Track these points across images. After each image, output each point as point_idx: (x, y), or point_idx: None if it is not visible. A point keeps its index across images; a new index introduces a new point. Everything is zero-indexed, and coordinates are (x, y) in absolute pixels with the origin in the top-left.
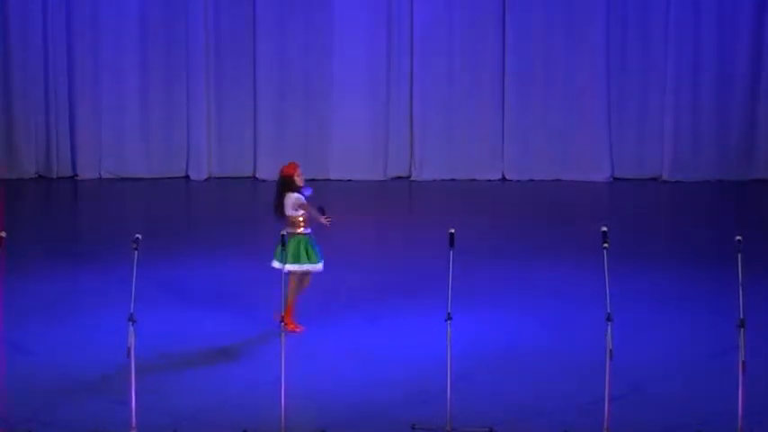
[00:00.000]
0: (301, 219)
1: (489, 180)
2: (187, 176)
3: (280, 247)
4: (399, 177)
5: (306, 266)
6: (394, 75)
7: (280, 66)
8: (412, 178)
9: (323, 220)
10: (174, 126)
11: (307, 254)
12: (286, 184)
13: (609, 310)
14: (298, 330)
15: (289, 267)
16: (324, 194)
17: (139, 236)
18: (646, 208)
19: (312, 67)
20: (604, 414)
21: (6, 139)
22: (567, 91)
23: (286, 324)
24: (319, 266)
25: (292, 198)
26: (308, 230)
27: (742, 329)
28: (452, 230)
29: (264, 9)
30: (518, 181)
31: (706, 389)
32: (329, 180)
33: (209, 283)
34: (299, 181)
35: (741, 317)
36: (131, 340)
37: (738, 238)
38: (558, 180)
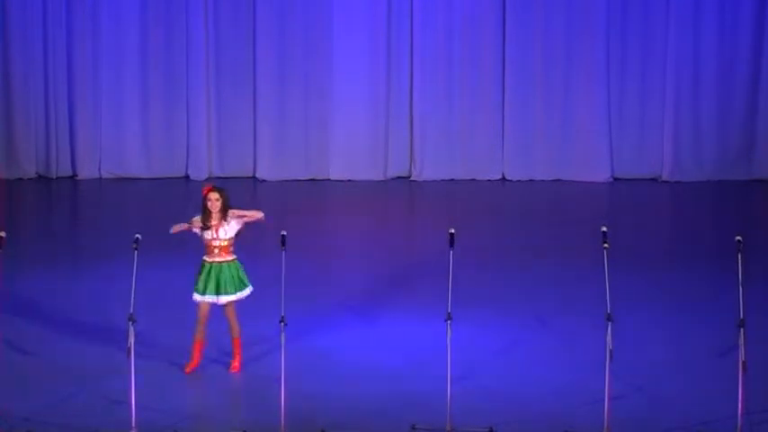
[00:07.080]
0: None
1: (489, 180)
2: (187, 176)
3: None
4: (399, 177)
5: (206, 298)
6: (394, 74)
7: (280, 66)
8: (412, 178)
9: (185, 226)
10: (174, 126)
11: (206, 285)
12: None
13: (609, 310)
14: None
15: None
16: (324, 194)
17: (139, 236)
18: (646, 208)
19: (312, 66)
20: (604, 414)
21: (6, 139)
22: (566, 91)
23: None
24: (218, 299)
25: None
26: (218, 259)
27: (742, 329)
28: (452, 230)
29: (264, 9)
30: (518, 181)
31: (706, 389)
32: (329, 180)
33: None
34: (209, 205)
35: (741, 317)
36: (131, 340)
37: (738, 238)
38: (558, 180)
